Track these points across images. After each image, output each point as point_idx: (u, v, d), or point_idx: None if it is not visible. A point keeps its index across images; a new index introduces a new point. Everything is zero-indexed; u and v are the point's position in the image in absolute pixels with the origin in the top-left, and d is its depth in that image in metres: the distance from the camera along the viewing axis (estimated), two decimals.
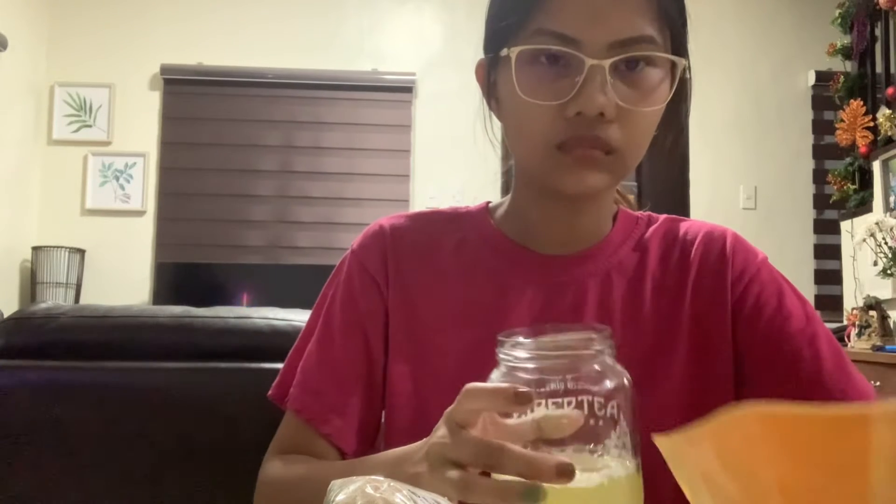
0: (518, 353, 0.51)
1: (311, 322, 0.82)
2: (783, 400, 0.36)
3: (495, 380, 0.52)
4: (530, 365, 0.50)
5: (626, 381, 0.51)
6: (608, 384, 0.50)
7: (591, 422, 0.49)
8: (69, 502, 1.17)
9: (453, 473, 0.50)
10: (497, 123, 0.80)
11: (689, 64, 0.73)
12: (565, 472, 0.45)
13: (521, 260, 0.79)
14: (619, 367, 0.51)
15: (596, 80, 0.66)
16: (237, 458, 1.17)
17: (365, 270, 0.80)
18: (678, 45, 0.73)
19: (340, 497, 0.44)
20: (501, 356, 0.52)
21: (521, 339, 0.51)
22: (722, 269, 0.77)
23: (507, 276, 0.78)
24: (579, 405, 0.49)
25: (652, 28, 0.68)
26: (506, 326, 0.75)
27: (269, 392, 0.82)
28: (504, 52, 0.70)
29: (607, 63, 0.66)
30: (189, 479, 1.19)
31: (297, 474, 0.74)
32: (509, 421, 0.50)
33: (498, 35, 0.72)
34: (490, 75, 0.76)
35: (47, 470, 1.17)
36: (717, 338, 0.75)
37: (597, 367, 0.50)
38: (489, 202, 0.86)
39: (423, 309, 0.78)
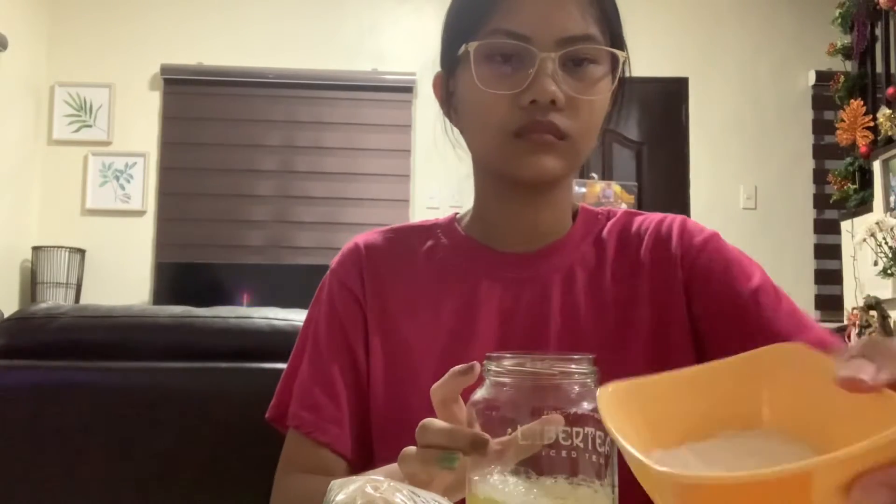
0: (502, 372, 0.52)
1: (300, 343, 0.86)
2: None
3: (479, 395, 0.54)
4: (512, 383, 0.52)
5: None
6: (586, 406, 0.50)
7: (568, 443, 0.50)
8: (68, 501, 1.18)
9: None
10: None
11: (628, 57, 0.80)
12: (479, 444, 0.49)
13: (487, 259, 0.83)
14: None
15: (547, 71, 0.73)
16: (237, 457, 1.17)
17: (344, 286, 0.84)
18: (617, 42, 0.79)
19: (340, 497, 0.44)
20: (487, 374, 0.53)
21: (506, 359, 0.52)
22: (671, 249, 0.82)
23: (475, 276, 0.82)
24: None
25: (595, 27, 0.76)
26: (475, 324, 0.79)
27: (266, 415, 0.85)
28: (463, 48, 0.76)
29: (556, 56, 0.73)
30: (189, 478, 1.19)
31: (310, 490, 0.76)
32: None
33: (456, 40, 0.79)
34: (448, 85, 0.83)
35: (47, 470, 1.17)
36: (673, 314, 0.80)
37: (577, 389, 0.51)
38: (457, 212, 0.91)
39: (398, 314, 0.82)
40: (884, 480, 0.33)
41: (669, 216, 0.85)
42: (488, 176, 0.83)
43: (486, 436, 0.50)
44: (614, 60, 0.78)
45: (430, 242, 0.86)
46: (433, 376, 0.77)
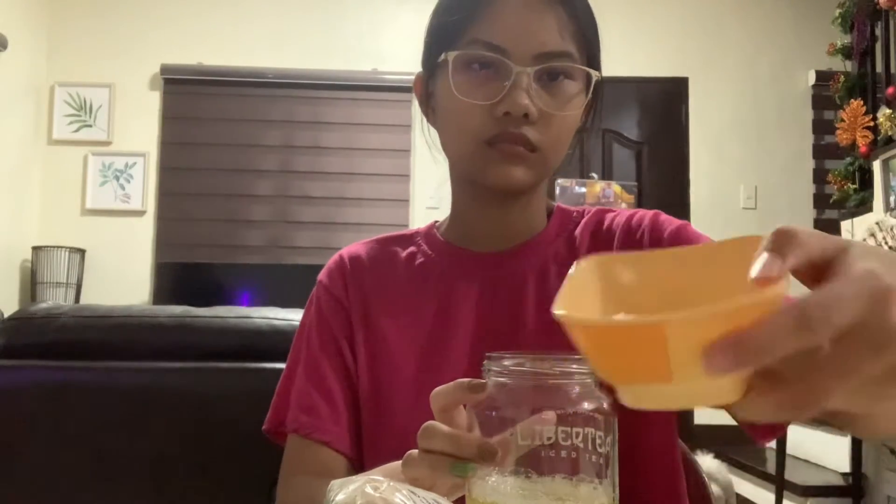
0: (502, 372, 0.52)
1: (294, 355, 0.88)
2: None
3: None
4: (512, 383, 0.52)
5: (605, 406, 0.51)
6: (587, 407, 0.50)
7: (568, 443, 0.50)
8: (69, 501, 1.18)
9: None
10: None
11: (601, 77, 0.82)
12: (487, 453, 0.50)
13: (462, 260, 0.86)
14: (598, 392, 0.52)
15: (522, 84, 0.75)
16: (237, 457, 1.17)
17: (330, 295, 0.88)
18: (593, 62, 0.81)
19: (340, 497, 0.44)
20: (487, 374, 0.53)
21: (506, 359, 0.52)
22: (642, 242, 0.83)
23: (452, 277, 0.85)
24: (562, 422, 0.50)
25: (571, 45, 0.77)
26: (453, 324, 0.81)
27: (264, 426, 0.87)
28: (442, 56, 0.78)
29: (532, 71, 0.75)
30: (189, 478, 1.19)
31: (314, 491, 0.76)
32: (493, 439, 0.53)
33: (437, 45, 0.81)
34: (427, 86, 0.85)
35: (47, 469, 1.17)
36: None
37: (577, 389, 0.51)
38: (436, 220, 0.93)
39: (380, 317, 0.85)
40: (736, 343, 0.34)
41: (641, 211, 0.86)
42: (462, 180, 0.86)
43: (494, 445, 0.50)
44: (589, 77, 0.80)
45: (410, 249, 0.89)
46: (412, 376, 0.80)
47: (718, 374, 0.35)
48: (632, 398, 0.39)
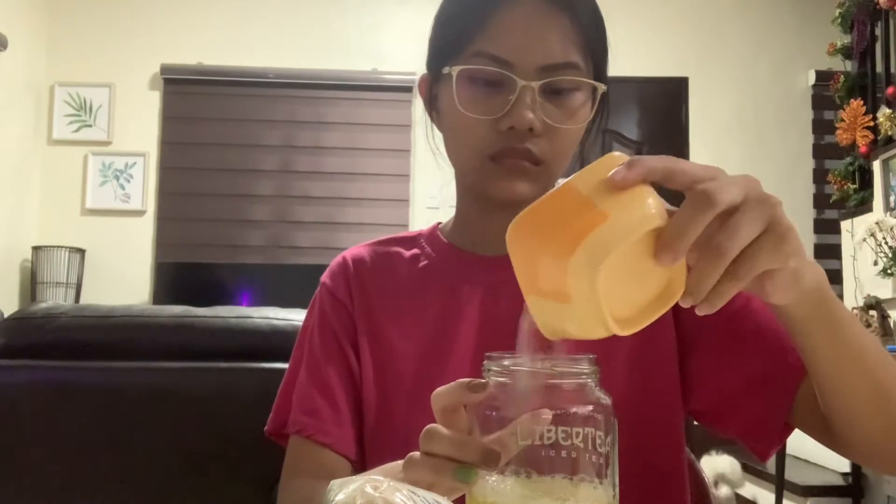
0: (502, 372, 0.52)
1: (296, 356, 0.88)
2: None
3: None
4: (512, 383, 0.52)
5: (605, 405, 0.51)
6: (587, 406, 0.50)
7: (568, 443, 0.50)
8: (68, 501, 1.18)
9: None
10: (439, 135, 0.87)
11: (607, 89, 0.81)
12: (491, 458, 0.49)
13: (467, 263, 0.86)
14: (599, 392, 0.52)
15: (526, 99, 0.74)
16: (237, 457, 1.18)
17: (334, 297, 0.87)
18: (599, 71, 0.80)
19: (340, 496, 0.44)
20: (487, 374, 0.53)
21: (507, 359, 0.52)
22: None
23: (456, 280, 0.85)
24: (562, 422, 0.50)
25: (577, 55, 0.76)
26: (456, 328, 0.81)
27: (266, 428, 0.87)
28: (446, 69, 0.78)
29: (537, 85, 0.74)
30: (188, 478, 1.19)
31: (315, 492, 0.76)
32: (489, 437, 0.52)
33: (441, 54, 0.80)
34: (432, 89, 0.85)
35: (47, 469, 1.17)
36: (657, 323, 0.80)
37: (577, 389, 0.51)
38: (439, 222, 0.93)
39: (384, 319, 0.85)
40: (631, 159, 0.47)
41: None
42: (467, 187, 0.86)
43: (498, 449, 0.50)
44: (595, 87, 0.79)
45: (413, 251, 0.89)
46: (415, 378, 0.81)
47: (626, 183, 0.46)
48: (592, 263, 0.45)
